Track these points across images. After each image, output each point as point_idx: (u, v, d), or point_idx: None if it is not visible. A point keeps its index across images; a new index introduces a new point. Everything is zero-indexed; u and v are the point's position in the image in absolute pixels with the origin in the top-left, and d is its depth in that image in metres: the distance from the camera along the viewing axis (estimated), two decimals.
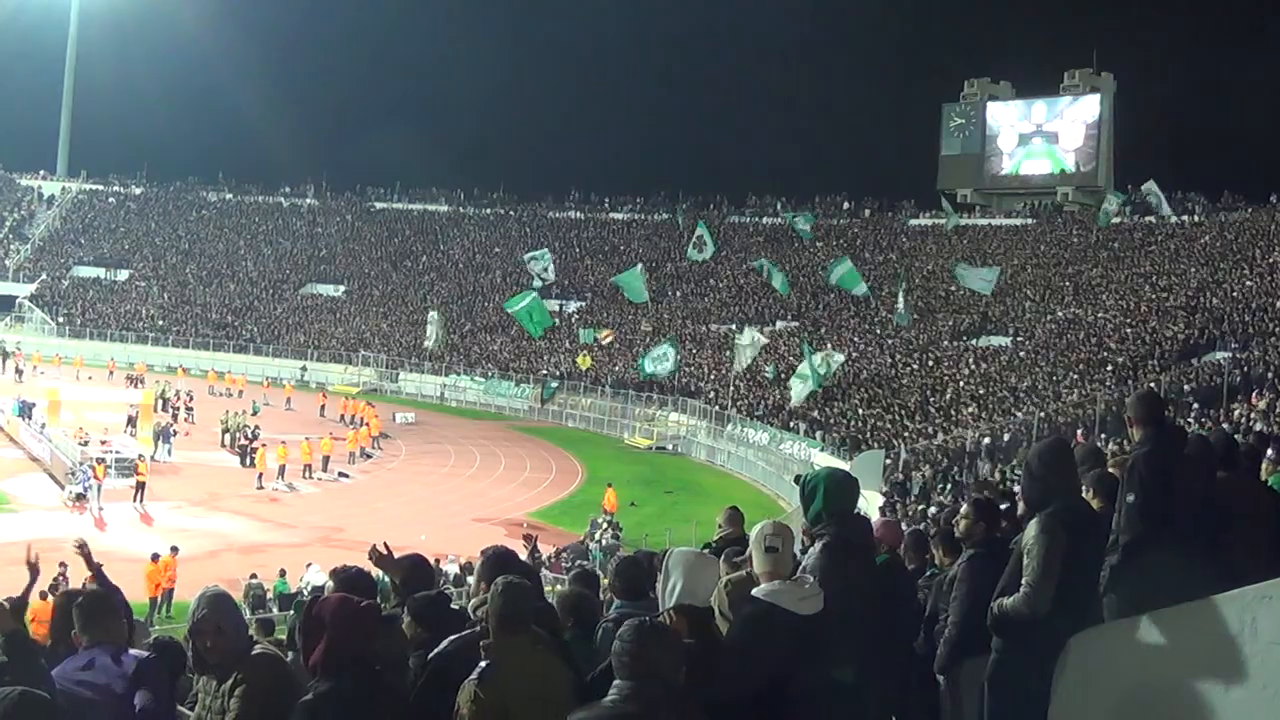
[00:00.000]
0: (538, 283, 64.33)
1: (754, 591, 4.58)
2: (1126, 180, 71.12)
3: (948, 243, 66.86)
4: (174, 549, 24.97)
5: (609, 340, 60.34)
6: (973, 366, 47.46)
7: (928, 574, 7.36)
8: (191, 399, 49.92)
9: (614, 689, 3.67)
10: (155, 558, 24.42)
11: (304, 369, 65.58)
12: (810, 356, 45.66)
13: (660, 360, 51.07)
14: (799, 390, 45.65)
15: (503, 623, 4.33)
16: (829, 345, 51.91)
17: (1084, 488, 5.63)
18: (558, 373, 60.24)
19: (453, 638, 4.74)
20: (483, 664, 4.21)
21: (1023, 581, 4.94)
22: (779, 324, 62.77)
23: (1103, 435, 29.60)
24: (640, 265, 63.68)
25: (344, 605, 4.09)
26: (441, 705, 4.24)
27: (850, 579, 5.02)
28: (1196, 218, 59.77)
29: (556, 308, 69.24)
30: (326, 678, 3.98)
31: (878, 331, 56.35)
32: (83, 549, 6.50)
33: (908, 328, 54.38)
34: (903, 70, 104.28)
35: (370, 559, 5.82)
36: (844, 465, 34.40)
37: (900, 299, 53.73)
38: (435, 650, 4.71)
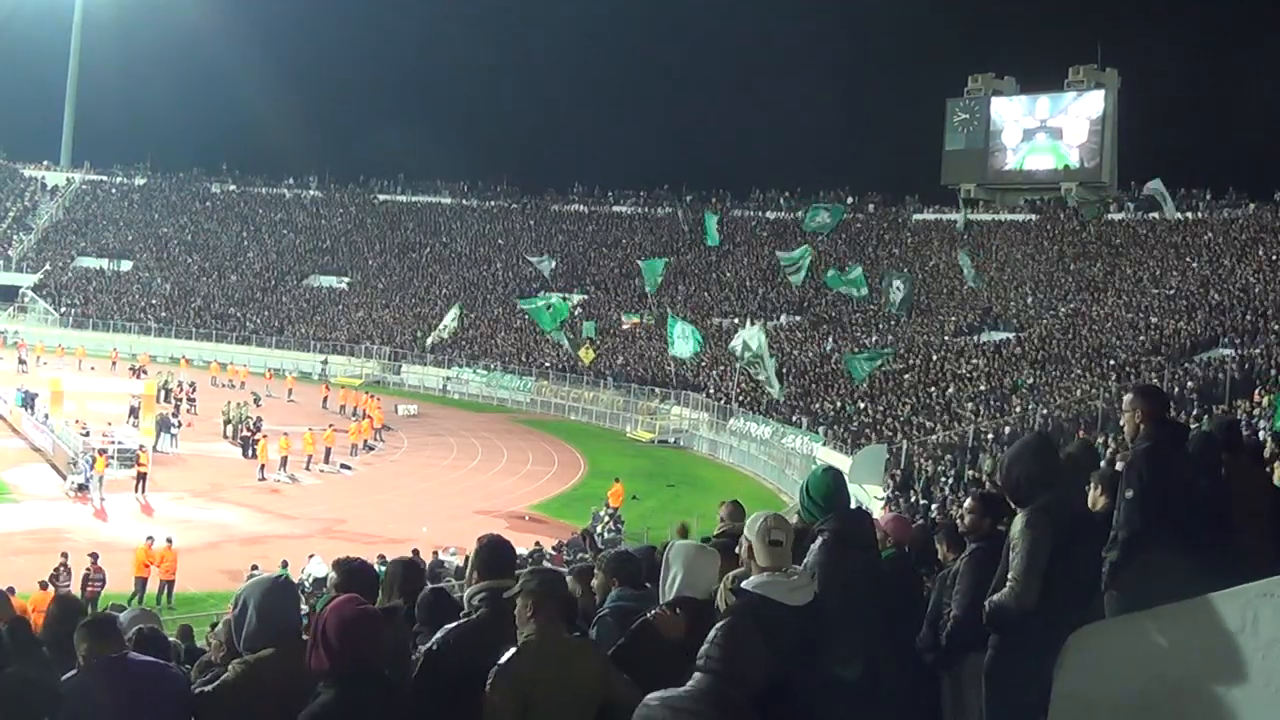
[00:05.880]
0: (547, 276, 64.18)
1: (743, 584, 4.56)
2: (1130, 176, 71.17)
3: (952, 238, 66.82)
4: (169, 540, 25.04)
5: (633, 326, 59.87)
6: (975, 362, 47.44)
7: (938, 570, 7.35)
8: (194, 390, 49.95)
9: (694, 681, 3.68)
10: (150, 540, 24.66)
11: (325, 362, 65.66)
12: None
13: (684, 339, 50.25)
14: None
15: (532, 610, 4.33)
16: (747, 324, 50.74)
17: (1092, 485, 5.62)
18: (561, 364, 60.19)
19: (449, 627, 4.73)
20: (514, 649, 4.21)
21: (1008, 576, 4.94)
22: (783, 318, 62.83)
23: (1105, 431, 29.57)
24: (665, 260, 62.14)
25: (347, 609, 4.04)
26: (437, 695, 4.22)
27: (851, 575, 5.01)
28: (1200, 214, 59.74)
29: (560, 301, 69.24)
30: (331, 685, 3.93)
31: (881, 327, 56.36)
32: None
33: (899, 317, 54.23)
34: (907, 65, 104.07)
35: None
36: (845, 460, 34.41)
37: (901, 288, 53.35)
38: (432, 639, 4.70)
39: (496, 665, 4.15)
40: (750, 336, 41.54)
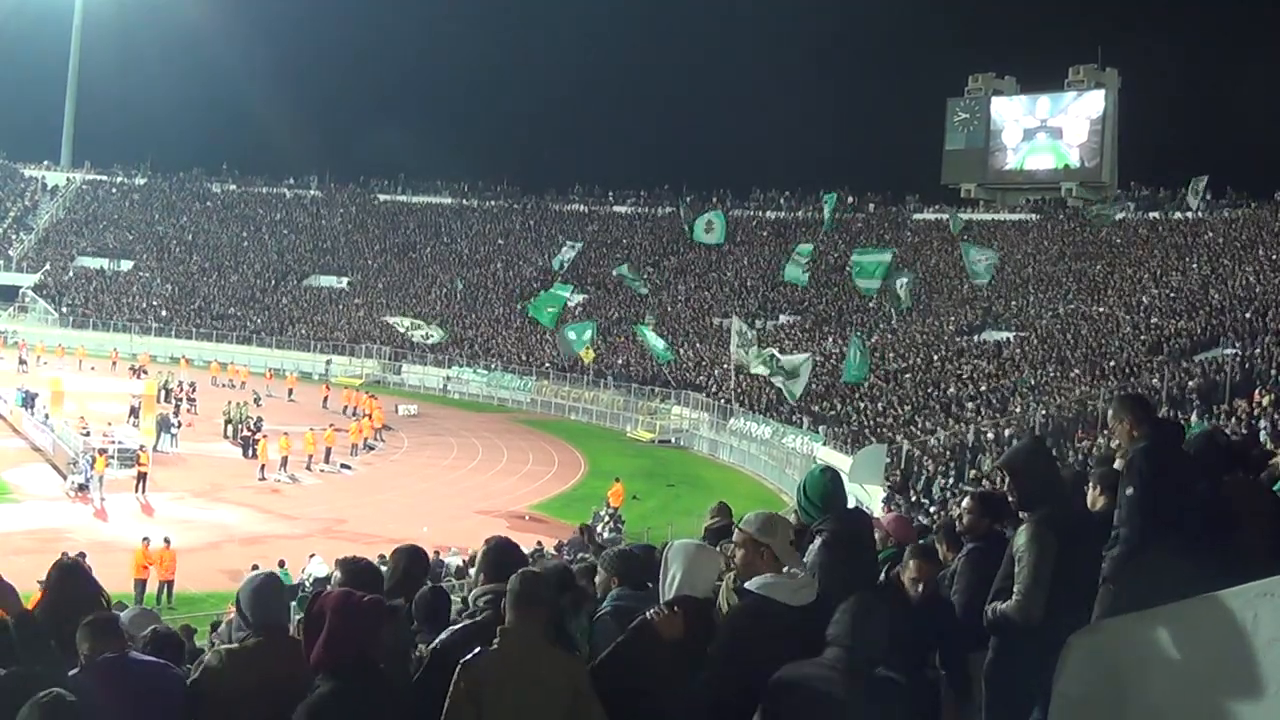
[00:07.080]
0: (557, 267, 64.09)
1: (747, 584, 4.56)
2: (1130, 176, 71.23)
3: (952, 238, 66.77)
4: (166, 540, 25.06)
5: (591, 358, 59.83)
6: (975, 362, 47.42)
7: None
8: (194, 390, 49.95)
9: (827, 653, 4.03)
10: (146, 541, 24.74)
11: (329, 362, 65.66)
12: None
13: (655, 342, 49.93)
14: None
15: (510, 611, 4.31)
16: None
17: (1091, 484, 5.63)
18: (561, 364, 60.06)
19: (454, 627, 4.73)
20: (479, 646, 4.20)
21: (1014, 589, 4.95)
22: (782, 318, 62.79)
23: (1105, 432, 29.55)
24: (627, 264, 62.90)
25: (345, 601, 4.06)
26: (440, 694, 4.22)
27: (851, 575, 5.01)
28: (1200, 214, 59.77)
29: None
30: (329, 677, 3.95)
31: (881, 326, 56.34)
32: None
33: (905, 314, 54.09)
34: (907, 65, 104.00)
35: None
36: (845, 459, 34.37)
37: (903, 285, 53.05)
38: (437, 639, 4.71)
39: (461, 660, 4.15)
40: (795, 363, 40.65)
